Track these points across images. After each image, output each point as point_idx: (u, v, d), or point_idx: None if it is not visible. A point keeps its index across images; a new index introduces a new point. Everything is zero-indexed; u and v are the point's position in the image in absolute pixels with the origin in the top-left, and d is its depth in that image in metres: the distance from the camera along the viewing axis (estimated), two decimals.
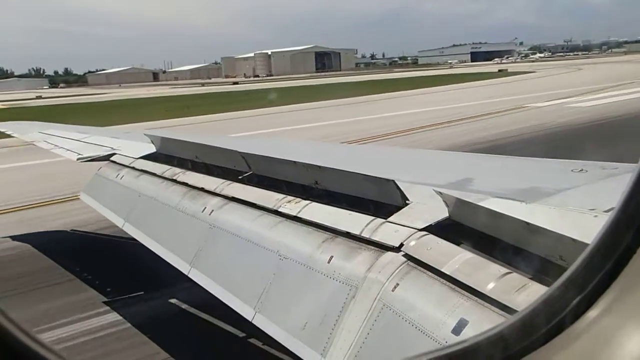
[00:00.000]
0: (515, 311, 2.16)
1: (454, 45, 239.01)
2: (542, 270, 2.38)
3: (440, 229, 3.07)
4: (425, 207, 3.35)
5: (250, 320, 3.63)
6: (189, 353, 6.44)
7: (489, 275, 2.50)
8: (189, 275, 4.57)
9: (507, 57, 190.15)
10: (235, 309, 3.83)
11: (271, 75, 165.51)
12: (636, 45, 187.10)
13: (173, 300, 7.66)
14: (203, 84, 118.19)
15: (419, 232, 3.08)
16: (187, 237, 5.03)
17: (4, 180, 18.06)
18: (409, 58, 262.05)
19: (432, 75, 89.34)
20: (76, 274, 9.20)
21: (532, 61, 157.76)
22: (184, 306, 7.46)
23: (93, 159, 8.41)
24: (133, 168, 7.14)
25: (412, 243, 3.01)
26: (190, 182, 5.68)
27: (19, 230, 11.86)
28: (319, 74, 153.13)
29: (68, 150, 9.67)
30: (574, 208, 2.83)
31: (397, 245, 3.07)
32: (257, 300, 3.65)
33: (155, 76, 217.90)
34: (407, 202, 3.48)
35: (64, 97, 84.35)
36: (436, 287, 2.66)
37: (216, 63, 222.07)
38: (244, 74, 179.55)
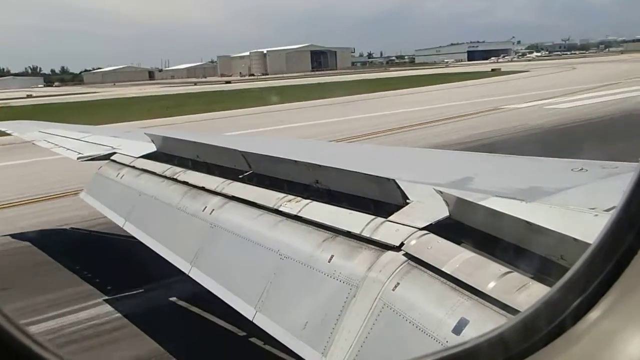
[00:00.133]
0: (516, 310, 2.16)
1: (451, 44, 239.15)
2: (542, 270, 2.38)
3: (440, 228, 3.06)
4: (426, 206, 3.35)
5: (250, 319, 3.63)
6: (190, 352, 6.44)
7: (490, 274, 2.50)
8: (190, 275, 4.57)
9: (504, 56, 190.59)
10: (235, 308, 3.83)
11: (267, 74, 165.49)
12: (634, 44, 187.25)
13: (173, 299, 7.66)
14: (195, 83, 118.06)
15: (420, 232, 3.08)
16: (188, 236, 5.03)
17: None
18: (406, 57, 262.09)
19: (425, 74, 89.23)
20: (75, 272, 9.23)
21: (529, 60, 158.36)
22: (184, 305, 7.46)
23: (93, 158, 8.41)
24: (133, 167, 7.14)
25: (413, 242, 3.01)
26: (190, 181, 5.68)
27: None
28: (314, 72, 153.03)
29: (68, 149, 9.67)
30: (574, 207, 2.83)
31: (397, 244, 3.07)
32: (257, 299, 3.66)
33: (151, 75, 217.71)
34: (407, 201, 3.48)
35: (54, 96, 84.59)
36: (437, 286, 2.66)
37: (213, 62, 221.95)
38: (240, 72, 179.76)
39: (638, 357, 0.81)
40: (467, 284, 2.52)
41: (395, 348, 2.69)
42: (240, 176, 5.18)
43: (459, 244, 2.88)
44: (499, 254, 2.64)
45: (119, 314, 7.57)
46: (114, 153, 8.09)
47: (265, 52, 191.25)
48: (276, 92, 58.51)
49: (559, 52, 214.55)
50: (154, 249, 5.35)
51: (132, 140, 8.54)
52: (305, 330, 3.17)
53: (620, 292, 0.89)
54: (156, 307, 7.75)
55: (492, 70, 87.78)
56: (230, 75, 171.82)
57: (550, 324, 0.94)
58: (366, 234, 3.32)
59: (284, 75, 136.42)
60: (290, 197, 4.29)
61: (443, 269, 2.67)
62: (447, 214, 3.12)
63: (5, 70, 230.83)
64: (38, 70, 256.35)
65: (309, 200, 4.12)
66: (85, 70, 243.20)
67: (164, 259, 5.10)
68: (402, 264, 2.93)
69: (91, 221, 11.17)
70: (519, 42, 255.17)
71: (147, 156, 7.17)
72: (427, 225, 3.11)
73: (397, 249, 3.06)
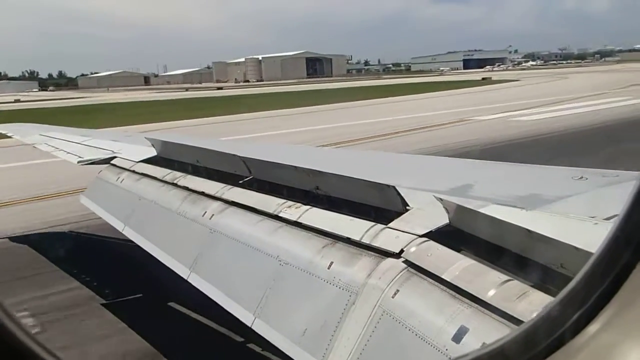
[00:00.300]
0: (516, 319, 2.16)
1: (449, 53, 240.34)
2: (542, 278, 2.38)
3: (440, 236, 3.06)
4: (426, 213, 3.34)
5: (249, 325, 3.62)
6: (188, 357, 6.42)
7: (490, 282, 2.49)
8: (189, 280, 4.56)
9: (499, 65, 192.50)
10: (234, 314, 3.82)
11: (261, 81, 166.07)
12: (630, 54, 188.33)
13: (171, 304, 7.64)
14: (187, 89, 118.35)
15: (420, 239, 3.08)
16: (187, 242, 5.02)
17: None
18: (402, 65, 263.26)
19: (414, 82, 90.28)
20: (73, 275, 9.22)
21: (523, 69, 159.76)
22: (183, 310, 7.44)
23: (93, 162, 8.41)
24: (133, 171, 7.13)
25: (413, 249, 3.01)
26: (190, 186, 5.67)
27: None
28: (309, 79, 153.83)
29: (69, 153, 9.68)
30: (574, 215, 2.83)
31: (397, 251, 3.06)
32: (256, 305, 3.64)
33: (146, 80, 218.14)
34: (407, 208, 3.48)
35: (42, 101, 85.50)
36: (436, 293, 2.66)
37: (209, 67, 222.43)
38: (235, 78, 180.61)
39: None
40: (467, 291, 2.52)
41: (394, 356, 2.68)
42: (241, 181, 5.18)
43: (458, 251, 2.87)
44: (499, 262, 2.63)
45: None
46: (114, 157, 8.08)
47: (260, 58, 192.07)
48: (261, 100, 59.24)
49: (554, 61, 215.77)
50: (153, 253, 5.33)
51: (132, 145, 8.55)
52: (304, 337, 3.16)
53: (619, 306, 0.89)
54: (154, 312, 7.73)
55: (483, 79, 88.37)
56: (226, 81, 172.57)
57: (549, 337, 0.94)
58: (366, 240, 3.31)
59: (279, 81, 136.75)
60: (290, 203, 4.28)
61: (443, 277, 2.67)
62: (447, 221, 3.11)
63: (2, 74, 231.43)
64: (35, 74, 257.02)
65: (309, 206, 4.11)
66: (82, 75, 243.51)
67: (162, 263, 5.09)
68: (401, 271, 2.92)
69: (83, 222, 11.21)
70: (515, 50, 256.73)
71: (148, 160, 7.17)
72: (427, 233, 3.11)
73: (397, 256, 3.05)
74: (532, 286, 2.38)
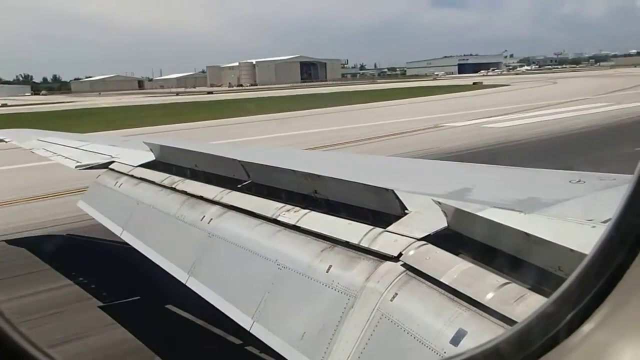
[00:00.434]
0: (514, 322, 2.16)
1: (444, 57, 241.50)
2: (540, 281, 2.38)
3: (439, 239, 3.07)
4: (424, 216, 3.35)
5: (248, 329, 3.62)
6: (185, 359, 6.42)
7: (488, 285, 2.50)
8: (187, 284, 4.55)
9: (493, 70, 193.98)
10: (232, 318, 3.82)
11: (255, 85, 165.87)
12: (624, 59, 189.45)
13: (169, 307, 7.64)
14: (177, 94, 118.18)
15: (418, 242, 3.08)
16: (186, 246, 5.02)
17: None
18: (397, 69, 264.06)
19: (406, 87, 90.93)
20: (71, 278, 9.21)
21: (517, 74, 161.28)
22: (181, 312, 7.44)
23: (92, 167, 8.40)
24: (132, 176, 7.13)
25: (411, 253, 3.01)
26: (189, 191, 5.67)
27: None
28: (303, 84, 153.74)
29: (67, 158, 9.66)
30: (572, 219, 2.84)
31: (395, 254, 3.07)
32: (255, 309, 3.64)
33: (140, 84, 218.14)
34: (406, 211, 3.49)
35: (29, 105, 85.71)
36: (435, 297, 2.66)
37: (204, 72, 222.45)
38: (229, 83, 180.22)
39: None
40: (465, 294, 2.52)
41: (393, 359, 2.68)
42: (239, 185, 5.18)
43: (457, 254, 2.88)
44: (497, 265, 2.64)
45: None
46: (113, 162, 8.08)
47: (254, 62, 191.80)
48: (246, 105, 58.80)
49: (549, 66, 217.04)
50: (151, 258, 5.33)
51: (130, 149, 8.54)
52: (303, 341, 3.16)
53: (613, 306, 0.90)
54: (152, 315, 7.72)
55: (474, 83, 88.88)
56: (220, 86, 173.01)
57: (544, 336, 0.95)
58: (364, 244, 3.31)
59: (273, 86, 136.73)
60: (289, 207, 4.28)
61: (441, 280, 2.67)
62: (445, 224, 3.12)
63: None
64: (29, 78, 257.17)
65: (307, 210, 4.11)
66: (75, 79, 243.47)
67: (160, 267, 5.09)
68: (400, 275, 2.93)
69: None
70: (511, 55, 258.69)
71: (146, 165, 7.17)
72: (426, 236, 3.12)
73: (396, 259, 3.05)
74: (530, 289, 2.39)
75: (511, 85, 79.71)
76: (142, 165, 7.20)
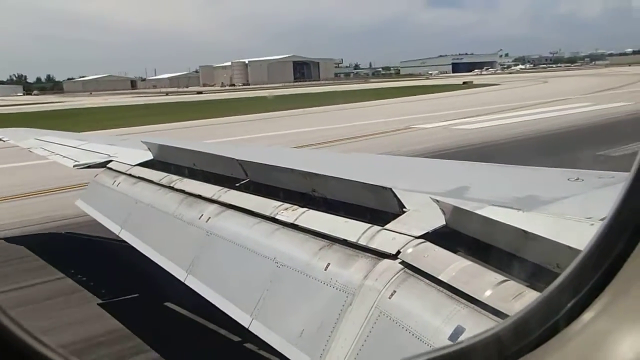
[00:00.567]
0: None
1: (440, 56, 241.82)
2: (539, 278, 2.39)
3: (437, 237, 3.07)
4: (422, 214, 3.35)
5: (246, 327, 3.62)
6: (185, 357, 6.42)
7: (486, 282, 2.50)
8: (186, 282, 4.56)
9: (487, 69, 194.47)
10: (231, 316, 3.82)
11: (248, 84, 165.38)
12: (619, 58, 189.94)
13: (168, 304, 7.64)
14: (167, 93, 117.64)
15: (416, 240, 3.09)
16: (184, 244, 5.02)
17: None
18: (392, 69, 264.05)
19: (396, 87, 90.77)
20: (70, 276, 9.22)
21: (511, 72, 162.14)
22: (179, 310, 7.44)
23: (90, 166, 8.40)
24: (130, 175, 7.13)
25: (409, 250, 3.02)
26: (187, 190, 5.67)
27: None
28: (296, 83, 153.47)
29: (65, 157, 9.65)
30: (570, 216, 2.84)
31: (394, 252, 3.07)
32: (253, 307, 3.64)
33: (133, 84, 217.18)
34: (404, 209, 3.49)
35: (17, 106, 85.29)
36: (433, 294, 2.67)
37: (197, 71, 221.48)
38: (222, 82, 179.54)
39: (629, 357, 0.82)
40: (463, 292, 2.53)
41: (391, 356, 2.69)
42: (237, 184, 5.18)
43: (455, 252, 2.89)
44: (496, 263, 2.65)
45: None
46: (111, 161, 8.08)
47: (246, 62, 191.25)
48: (233, 105, 58.81)
49: (544, 65, 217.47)
50: (150, 256, 5.33)
51: (128, 148, 8.54)
52: (302, 338, 3.16)
53: (614, 294, 0.90)
54: (151, 312, 7.73)
55: (464, 83, 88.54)
56: (213, 85, 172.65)
57: (544, 325, 0.95)
58: (363, 242, 3.32)
59: (265, 85, 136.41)
60: (287, 205, 4.29)
61: (439, 277, 2.68)
62: (443, 222, 3.13)
63: None
64: (22, 78, 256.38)
65: (305, 209, 4.12)
66: (68, 79, 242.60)
67: (159, 265, 5.09)
68: (398, 272, 2.93)
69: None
70: (506, 54, 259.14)
71: (144, 164, 7.17)
72: (424, 234, 3.12)
73: (394, 257, 3.06)
74: (528, 286, 2.39)
75: (501, 84, 79.57)
76: (140, 164, 7.20)
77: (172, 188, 5.95)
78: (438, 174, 5.49)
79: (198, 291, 4.34)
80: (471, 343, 1.03)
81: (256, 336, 3.53)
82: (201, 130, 33.96)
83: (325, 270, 3.34)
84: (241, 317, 3.71)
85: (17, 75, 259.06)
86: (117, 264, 8.98)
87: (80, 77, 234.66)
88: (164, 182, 6.21)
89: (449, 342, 2.36)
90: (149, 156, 7.23)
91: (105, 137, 14.94)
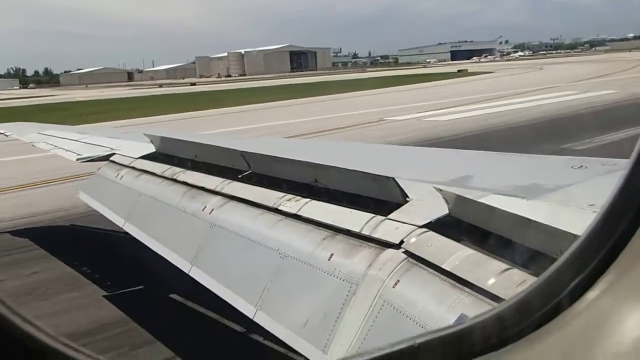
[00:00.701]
0: None
1: (439, 44, 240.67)
2: (542, 266, 2.38)
3: (440, 226, 3.07)
4: (426, 204, 3.35)
5: (251, 317, 3.64)
6: (190, 347, 6.47)
7: (490, 271, 2.50)
8: (190, 274, 4.58)
9: (486, 56, 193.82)
10: (236, 307, 3.84)
11: (244, 75, 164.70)
12: (620, 43, 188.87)
13: (173, 296, 7.68)
14: (161, 85, 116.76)
15: (419, 229, 3.09)
16: (188, 236, 5.04)
17: None
18: (390, 57, 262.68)
19: (388, 76, 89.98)
20: (75, 268, 9.27)
21: (510, 60, 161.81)
22: (184, 301, 7.48)
23: (92, 159, 8.41)
24: (133, 168, 7.14)
25: (413, 240, 3.02)
26: (190, 182, 5.68)
27: None
28: (292, 73, 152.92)
29: (67, 150, 9.68)
30: (573, 204, 2.84)
31: (397, 242, 3.08)
32: (258, 297, 3.66)
33: (130, 76, 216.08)
34: (407, 199, 3.49)
35: (8, 100, 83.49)
36: (437, 283, 2.67)
37: (194, 63, 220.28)
38: (219, 73, 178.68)
39: (634, 334, 0.82)
40: (467, 280, 2.53)
41: None
42: (240, 176, 5.18)
43: (458, 241, 2.89)
44: (499, 251, 2.65)
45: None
46: (113, 154, 8.09)
47: (242, 52, 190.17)
48: (220, 97, 57.86)
49: (544, 52, 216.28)
50: (154, 248, 5.36)
51: (131, 141, 8.54)
52: (306, 328, 3.18)
53: (618, 272, 0.89)
54: (156, 304, 7.78)
55: (459, 71, 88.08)
56: (209, 77, 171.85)
57: (547, 304, 0.95)
58: (366, 232, 3.32)
59: (262, 76, 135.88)
60: (290, 196, 4.29)
61: (443, 267, 2.68)
62: (446, 211, 3.12)
63: None
64: (20, 71, 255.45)
65: (308, 199, 4.12)
66: (65, 72, 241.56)
67: (163, 257, 5.12)
68: (402, 262, 2.94)
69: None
70: (506, 41, 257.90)
71: (147, 157, 7.17)
72: (427, 223, 3.12)
73: (397, 246, 3.06)
74: (531, 274, 2.39)
75: (495, 72, 78.73)
76: (142, 157, 7.21)
77: (175, 180, 5.96)
78: (441, 163, 5.48)
79: (202, 282, 4.36)
80: (472, 324, 1.02)
81: (261, 327, 3.55)
82: (176, 125, 33.08)
83: (329, 260, 3.35)
84: (245, 308, 3.73)
85: (14, 69, 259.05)
86: (122, 256, 9.03)
87: (78, 70, 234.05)
88: (166, 174, 6.22)
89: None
90: (151, 149, 7.24)
91: (108, 130, 14.98)
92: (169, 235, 5.40)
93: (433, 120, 27.41)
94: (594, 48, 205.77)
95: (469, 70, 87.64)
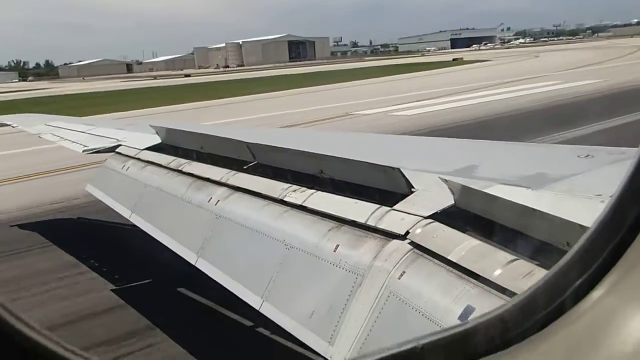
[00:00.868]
0: None
1: (440, 32, 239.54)
2: (548, 257, 2.38)
3: (446, 217, 3.06)
4: (431, 194, 3.34)
5: (257, 309, 3.65)
6: (198, 341, 6.50)
7: (496, 262, 2.50)
8: (196, 265, 4.60)
9: (486, 44, 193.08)
10: (242, 298, 3.86)
11: (242, 66, 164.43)
12: (623, 29, 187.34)
13: (181, 289, 7.72)
14: (155, 77, 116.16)
15: (425, 220, 3.08)
16: (194, 228, 5.05)
17: None
18: (390, 46, 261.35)
19: (384, 65, 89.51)
20: (83, 261, 9.33)
21: (509, 47, 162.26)
22: (192, 295, 7.51)
23: (99, 151, 8.44)
24: (138, 159, 7.16)
25: (418, 231, 3.01)
26: (195, 173, 5.69)
27: None
28: (291, 63, 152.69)
29: (74, 142, 9.72)
30: (580, 194, 2.82)
31: (402, 233, 3.07)
32: (264, 289, 3.67)
33: (129, 68, 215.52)
34: (412, 190, 3.48)
35: (2, 93, 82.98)
36: (442, 274, 2.67)
37: (192, 54, 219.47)
38: (217, 64, 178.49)
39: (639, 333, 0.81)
40: (473, 271, 2.52)
41: (401, 336, 2.70)
42: (245, 167, 5.18)
43: (464, 232, 2.87)
44: (505, 242, 2.63)
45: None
46: (119, 145, 8.11)
47: (240, 43, 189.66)
48: (207, 89, 57.05)
49: (545, 39, 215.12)
50: (160, 240, 5.38)
51: (137, 133, 8.56)
52: (312, 319, 3.19)
53: (624, 270, 0.88)
54: (164, 298, 7.82)
55: (454, 59, 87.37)
56: (208, 67, 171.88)
57: (551, 304, 0.94)
58: (371, 223, 3.32)
59: (258, 66, 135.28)
60: (295, 187, 4.29)
61: (449, 257, 2.68)
62: (452, 202, 3.11)
63: None
64: (21, 64, 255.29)
65: (314, 190, 4.12)
66: (64, 64, 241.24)
67: (170, 249, 5.14)
68: (407, 253, 2.93)
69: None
70: (508, 28, 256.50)
71: (152, 148, 7.19)
72: (433, 214, 3.11)
73: (403, 237, 3.06)
74: (538, 265, 2.38)
75: (491, 60, 78.05)
76: (148, 149, 7.22)
77: (180, 171, 5.97)
78: (446, 153, 5.46)
79: (209, 274, 4.37)
80: (475, 324, 1.02)
81: (268, 320, 3.56)
82: (143, 120, 32.62)
83: (335, 251, 3.35)
84: (252, 299, 3.74)
85: (15, 61, 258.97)
86: (129, 248, 9.07)
87: (79, 62, 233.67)
88: (172, 165, 6.23)
89: (458, 322, 2.36)
90: (157, 140, 7.25)
91: (114, 121, 14.99)
92: (174, 226, 5.42)
93: (399, 115, 26.61)
94: (596, 34, 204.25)
95: (465, 59, 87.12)
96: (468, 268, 2.55)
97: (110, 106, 41.27)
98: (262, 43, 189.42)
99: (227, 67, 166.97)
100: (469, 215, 2.99)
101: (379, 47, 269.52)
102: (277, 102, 39.13)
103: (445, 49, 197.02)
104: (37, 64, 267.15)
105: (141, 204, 6.28)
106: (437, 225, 3.00)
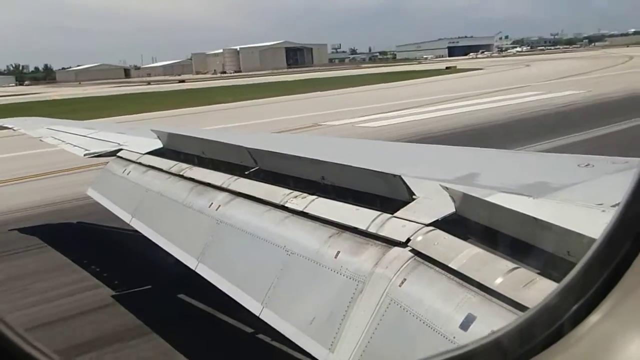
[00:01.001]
0: (523, 306, 2.16)
1: (439, 40, 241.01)
2: (549, 265, 2.38)
3: (447, 224, 3.06)
4: (432, 202, 3.34)
5: (257, 315, 3.65)
6: (197, 347, 6.49)
7: (497, 270, 2.50)
8: (196, 270, 4.59)
9: (482, 52, 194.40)
10: (242, 304, 3.85)
11: (239, 72, 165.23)
12: (620, 38, 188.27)
13: (181, 296, 7.70)
14: (149, 83, 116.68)
15: (426, 227, 3.08)
16: (194, 233, 5.05)
17: None
18: (389, 53, 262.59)
19: (376, 73, 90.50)
20: (83, 266, 9.31)
21: (506, 56, 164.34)
22: (192, 301, 7.50)
23: (100, 155, 8.46)
24: (140, 163, 7.16)
25: (419, 238, 3.01)
26: (196, 178, 5.69)
27: None
28: (289, 69, 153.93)
29: (75, 146, 9.73)
30: (581, 203, 2.82)
31: (404, 240, 3.07)
32: (264, 295, 3.67)
33: (127, 73, 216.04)
34: (413, 197, 3.48)
35: None
36: (443, 282, 2.67)
37: (191, 59, 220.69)
38: (214, 70, 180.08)
39: (637, 359, 0.81)
40: (474, 279, 2.52)
41: (402, 344, 2.70)
42: (246, 172, 5.19)
43: (465, 240, 2.88)
44: (506, 250, 2.64)
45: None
46: (121, 149, 8.11)
47: (238, 49, 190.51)
48: (197, 95, 57.28)
49: (542, 47, 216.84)
50: (160, 245, 5.37)
51: (138, 137, 8.57)
52: (312, 326, 3.18)
53: (620, 296, 0.89)
54: (164, 303, 7.80)
55: (447, 68, 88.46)
56: (205, 73, 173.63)
57: (549, 328, 0.94)
58: (372, 230, 3.32)
59: (255, 73, 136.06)
60: (297, 193, 4.29)
61: (450, 265, 2.67)
62: (453, 209, 3.11)
63: None
64: (19, 68, 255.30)
65: (315, 197, 4.12)
66: (62, 69, 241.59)
67: (170, 255, 5.13)
68: (408, 260, 2.93)
69: None
70: (506, 37, 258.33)
71: (154, 152, 7.19)
72: (434, 221, 3.11)
73: (404, 245, 3.06)
74: (539, 274, 2.38)
75: (484, 69, 78.85)
76: (149, 153, 7.23)
77: (181, 176, 5.97)
78: (447, 160, 5.46)
79: (209, 279, 4.37)
80: (474, 347, 1.02)
81: (268, 326, 3.55)
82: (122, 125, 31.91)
83: (336, 258, 3.35)
84: (252, 305, 3.73)
85: (14, 65, 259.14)
86: (129, 253, 9.06)
87: (77, 66, 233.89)
88: (173, 170, 6.23)
89: (460, 330, 2.36)
90: (158, 144, 7.25)
91: (116, 125, 15.03)
92: (175, 231, 5.42)
93: (365, 127, 26.45)
94: (593, 44, 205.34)
95: (458, 67, 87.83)
96: (469, 276, 2.55)
97: (87, 112, 39.83)
98: (259, 49, 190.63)
99: (224, 72, 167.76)
100: (470, 223, 3.00)
101: (377, 54, 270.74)
102: (251, 111, 38.71)
103: (442, 57, 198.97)
104: (36, 68, 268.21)
105: (142, 208, 6.28)
106: (438, 232, 3.00)
